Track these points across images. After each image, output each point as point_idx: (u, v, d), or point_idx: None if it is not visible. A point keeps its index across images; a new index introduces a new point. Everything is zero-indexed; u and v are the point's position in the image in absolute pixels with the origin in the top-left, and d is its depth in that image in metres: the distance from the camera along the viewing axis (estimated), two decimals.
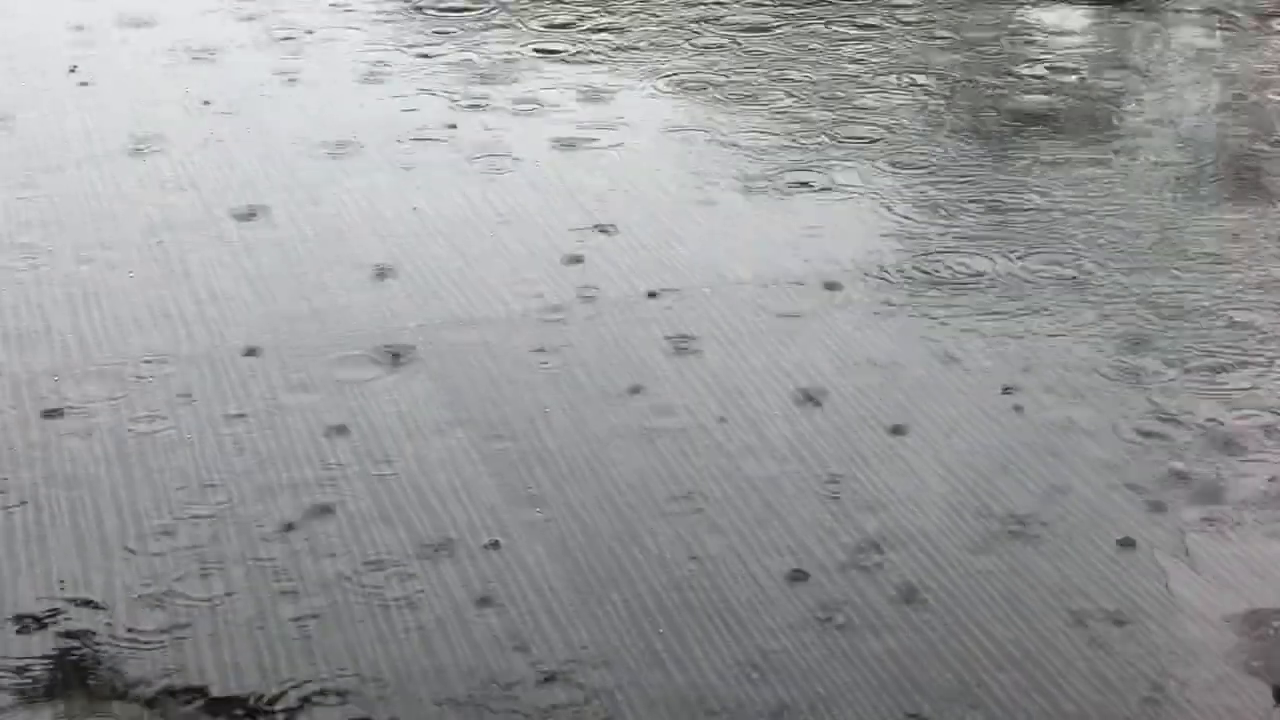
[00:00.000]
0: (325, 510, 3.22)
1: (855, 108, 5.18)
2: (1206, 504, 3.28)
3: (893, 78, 5.44)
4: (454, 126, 5.00)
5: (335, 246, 4.25)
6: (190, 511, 3.21)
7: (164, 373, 3.67)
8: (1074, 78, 5.52)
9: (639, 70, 5.47)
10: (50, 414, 3.52)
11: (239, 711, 2.74)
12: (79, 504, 3.23)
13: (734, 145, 4.90)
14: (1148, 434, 3.50)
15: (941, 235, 4.36)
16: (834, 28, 5.90)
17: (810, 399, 3.61)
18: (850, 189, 4.62)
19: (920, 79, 5.44)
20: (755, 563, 3.09)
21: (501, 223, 4.39)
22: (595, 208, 4.48)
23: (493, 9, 6.05)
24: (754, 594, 3.01)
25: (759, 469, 3.37)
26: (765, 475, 3.35)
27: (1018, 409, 3.59)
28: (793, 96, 5.26)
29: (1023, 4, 6.25)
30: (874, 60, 5.59)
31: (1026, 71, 5.57)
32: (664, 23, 5.94)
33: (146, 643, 2.87)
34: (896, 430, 3.50)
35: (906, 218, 4.46)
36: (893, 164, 4.78)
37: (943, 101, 5.28)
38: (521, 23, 5.93)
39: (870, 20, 5.99)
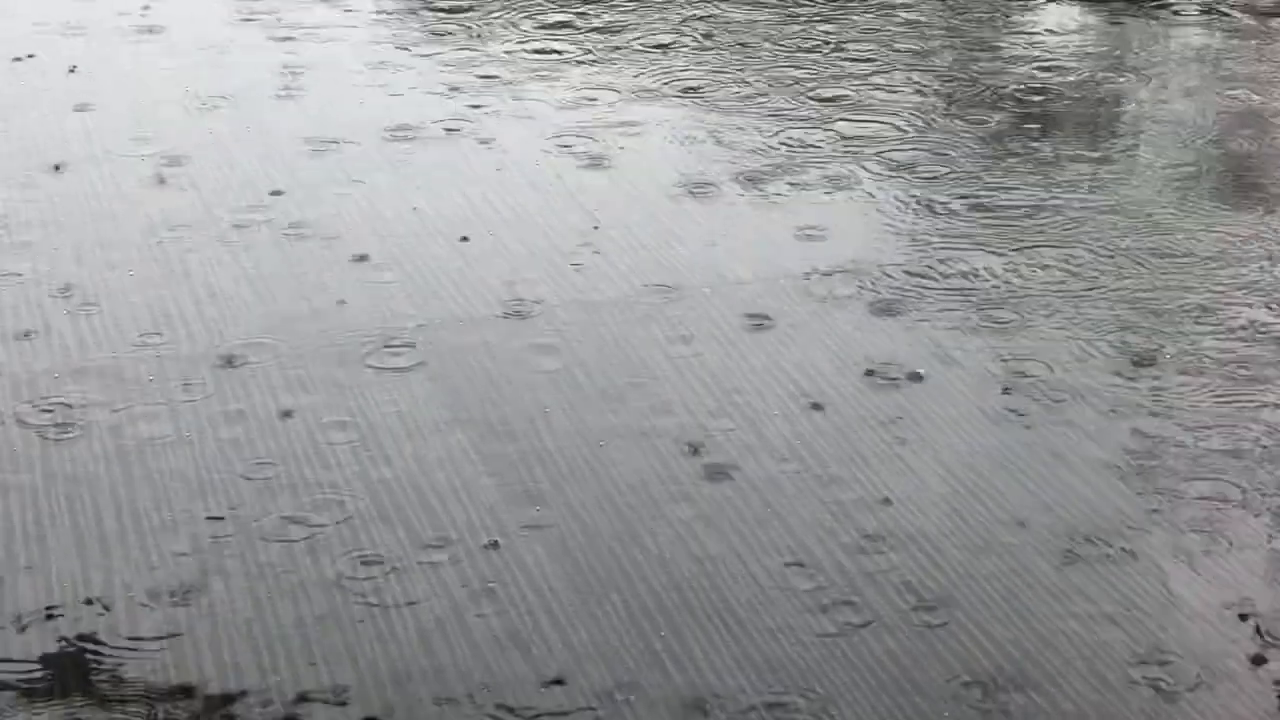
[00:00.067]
0: (325, 510, 3.22)
1: (855, 108, 5.18)
2: (1206, 504, 3.28)
3: (892, 78, 5.44)
4: (454, 126, 5.00)
5: (335, 246, 4.25)
6: (190, 511, 3.21)
7: (164, 372, 3.67)
8: (1073, 78, 5.52)
9: (639, 70, 5.47)
10: (50, 413, 3.52)
11: (239, 711, 2.74)
12: (79, 504, 3.23)
13: (734, 145, 4.90)
14: (1147, 434, 3.50)
15: (941, 235, 4.36)
16: (834, 27, 5.90)
17: (810, 399, 3.61)
18: (850, 189, 4.62)
19: (920, 79, 5.44)
20: (755, 563, 3.09)
21: (501, 223, 4.39)
22: (595, 208, 4.48)
23: (493, 9, 6.05)
24: (754, 594, 3.01)
25: (759, 469, 3.37)
26: (765, 475, 3.35)
27: (1017, 409, 3.59)
28: (793, 96, 5.26)
29: (1023, 4, 6.25)
30: (874, 60, 5.59)
31: (1026, 71, 5.57)
32: (664, 22, 5.94)
33: (146, 642, 2.87)
34: (896, 430, 3.50)
35: (906, 217, 4.46)
36: (892, 164, 4.78)
37: (943, 101, 5.28)
38: (521, 23, 5.93)
39: (871, 20, 5.99)
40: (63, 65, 5.46)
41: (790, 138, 4.95)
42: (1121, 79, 5.56)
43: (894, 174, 4.72)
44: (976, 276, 4.14)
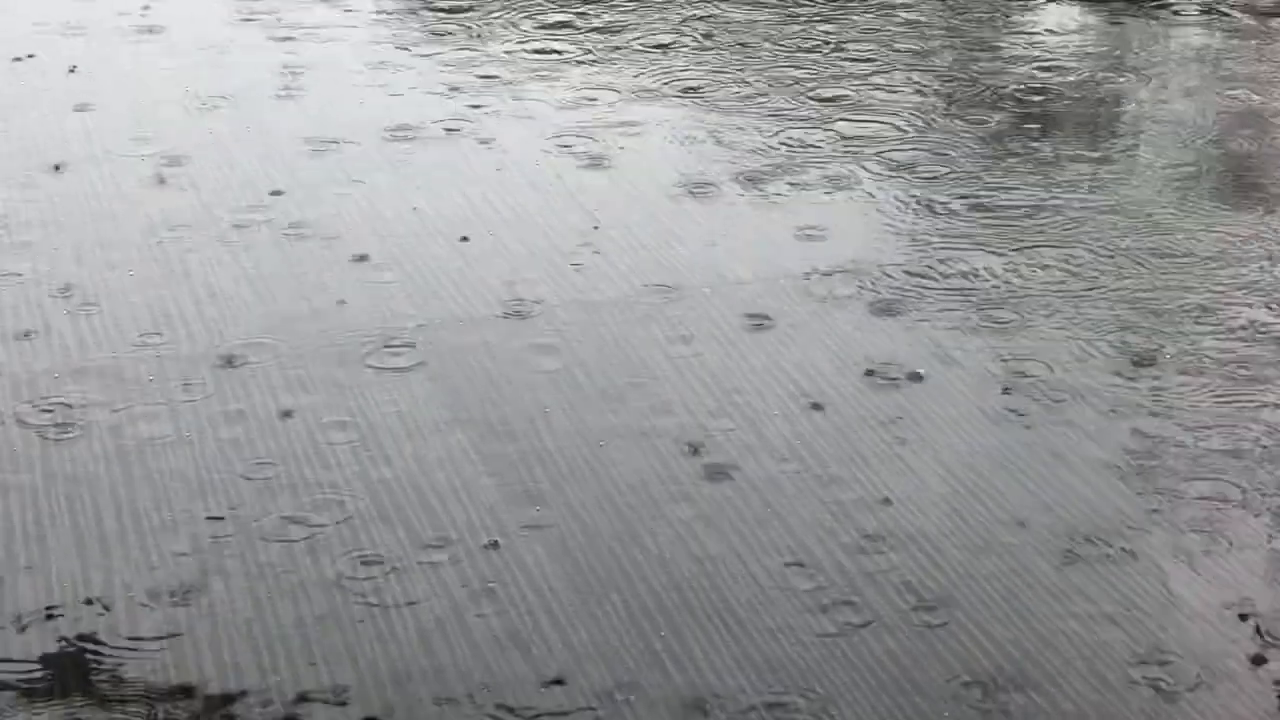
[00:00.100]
0: (325, 510, 3.21)
1: (855, 108, 5.18)
2: (1206, 504, 3.28)
3: (892, 78, 5.44)
4: (454, 126, 5.00)
5: (335, 246, 4.25)
6: (190, 511, 3.21)
7: (164, 372, 3.67)
8: (1073, 77, 5.52)
9: (639, 70, 5.47)
10: (50, 413, 3.52)
11: (239, 711, 2.74)
12: (79, 504, 3.23)
13: (734, 145, 4.90)
14: (1147, 434, 3.50)
15: (941, 235, 4.36)
16: (834, 27, 5.90)
17: (810, 399, 3.61)
18: (850, 189, 4.62)
19: (920, 79, 5.44)
20: (755, 563, 3.09)
21: (501, 223, 4.39)
22: (595, 207, 4.48)
23: (493, 9, 6.05)
24: (754, 594, 3.01)
25: (759, 469, 3.37)
26: (765, 475, 3.35)
27: (1017, 409, 3.59)
28: (793, 96, 5.26)
29: (1023, 4, 6.25)
30: (874, 60, 5.59)
31: (1026, 71, 5.57)
32: (664, 22, 5.94)
33: (146, 642, 2.87)
34: (896, 430, 3.50)
35: (906, 217, 4.46)
36: (892, 164, 4.78)
37: (943, 101, 5.28)
38: (521, 23, 5.93)
39: (871, 20, 5.99)
40: (63, 65, 5.46)
41: (790, 138, 4.95)
42: (1121, 79, 5.56)
43: (894, 174, 4.72)
44: (976, 276, 4.14)
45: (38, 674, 2.81)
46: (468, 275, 4.12)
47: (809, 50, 5.68)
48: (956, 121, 5.12)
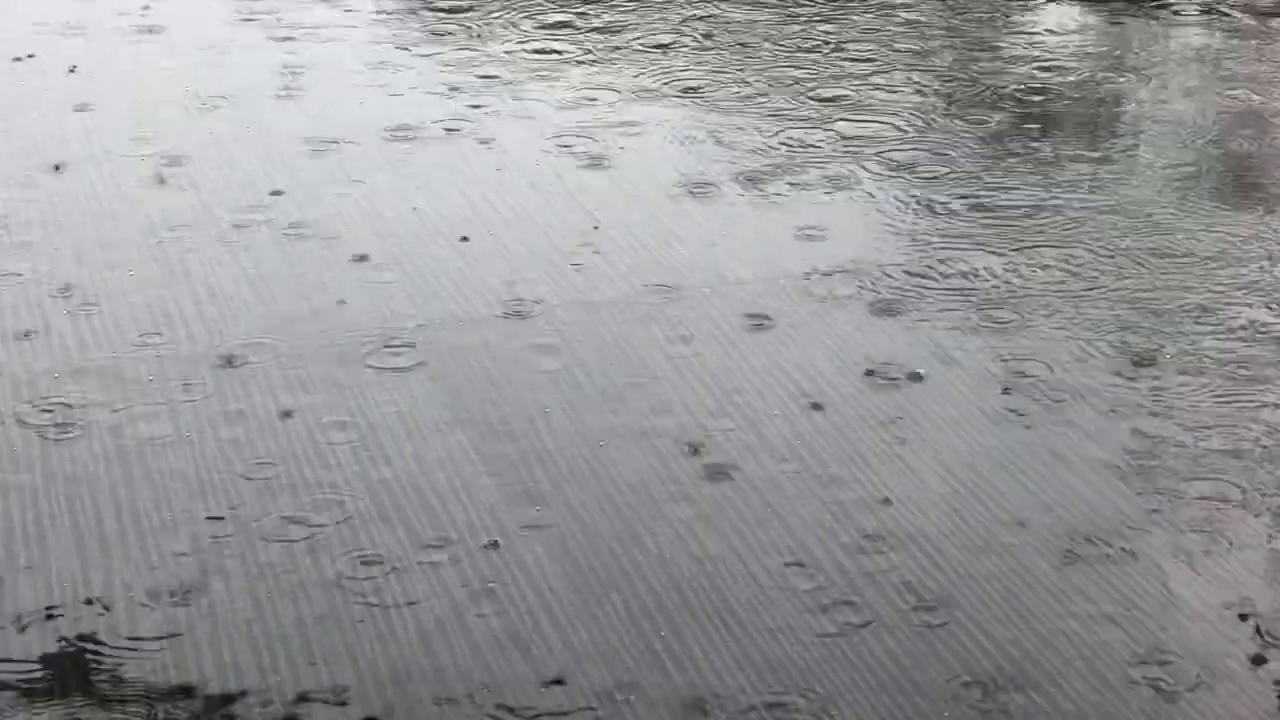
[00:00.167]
0: (325, 510, 3.21)
1: (855, 108, 5.18)
2: (1206, 504, 3.28)
3: (892, 78, 5.44)
4: (454, 126, 5.00)
5: (335, 246, 4.25)
6: (190, 511, 3.21)
7: (164, 372, 3.67)
8: (1073, 77, 5.52)
9: (639, 70, 5.47)
10: (50, 413, 3.52)
11: (239, 711, 2.74)
12: (79, 504, 3.23)
13: (734, 145, 4.90)
14: (1147, 434, 3.50)
15: (941, 235, 4.36)
16: (834, 27, 5.90)
17: (810, 399, 3.61)
18: (850, 189, 4.62)
19: (920, 79, 5.44)
20: (755, 563, 3.09)
21: (501, 223, 4.39)
22: (595, 208, 4.48)
23: (493, 9, 6.05)
24: (754, 594, 3.01)
25: (759, 469, 3.37)
26: (765, 475, 3.35)
27: (1017, 409, 3.59)
28: (793, 96, 5.26)
29: (1023, 4, 6.25)
30: (874, 60, 5.59)
31: (1026, 71, 5.57)
32: (664, 22, 5.94)
33: (146, 642, 2.87)
34: (896, 430, 3.50)
35: (906, 217, 4.46)
36: (892, 164, 4.78)
37: (943, 101, 5.28)
38: (521, 23, 5.93)
39: (871, 20, 5.99)
40: (63, 65, 5.46)
41: (790, 138, 4.95)
42: (1121, 79, 5.56)
43: (894, 174, 4.72)
44: (976, 276, 4.14)
45: (38, 674, 2.81)
46: (468, 275, 4.12)
47: (809, 50, 5.68)
48: (956, 121, 5.12)
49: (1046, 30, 6.01)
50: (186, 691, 2.77)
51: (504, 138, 4.92)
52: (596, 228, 4.36)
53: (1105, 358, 3.78)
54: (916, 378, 3.70)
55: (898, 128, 5.04)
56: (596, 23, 5.94)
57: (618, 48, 5.69)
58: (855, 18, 6.02)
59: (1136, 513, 3.25)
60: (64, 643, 2.87)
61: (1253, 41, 5.92)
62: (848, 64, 5.55)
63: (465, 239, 4.22)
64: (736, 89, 5.33)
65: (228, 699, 2.76)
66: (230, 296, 4.00)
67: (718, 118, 5.10)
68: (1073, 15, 6.20)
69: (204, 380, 3.64)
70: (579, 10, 6.05)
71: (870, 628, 2.93)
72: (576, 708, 2.76)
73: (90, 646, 2.86)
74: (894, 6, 6.13)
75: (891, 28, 5.93)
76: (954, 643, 2.90)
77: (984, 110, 5.22)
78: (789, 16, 6.02)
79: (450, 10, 6.04)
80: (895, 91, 5.32)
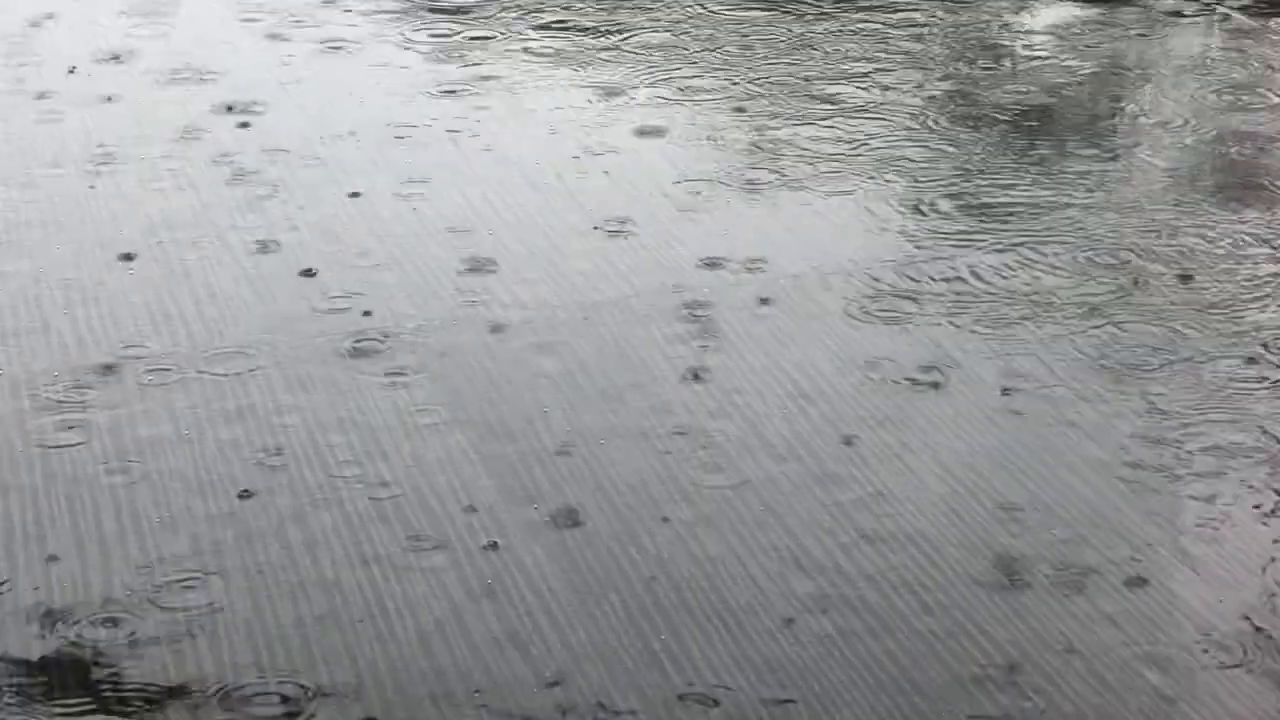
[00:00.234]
0: (324, 510, 3.21)
1: (854, 108, 5.18)
2: (1206, 504, 3.28)
3: (891, 78, 5.43)
4: (454, 127, 5.00)
5: (334, 246, 4.25)
6: (190, 511, 3.21)
7: (164, 372, 3.67)
8: (1074, 78, 5.52)
9: (638, 71, 5.47)
10: (49, 413, 3.52)
11: (239, 711, 2.74)
12: (79, 504, 3.23)
13: (733, 146, 4.89)
14: (1147, 435, 3.50)
15: (941, 235, 4.36)
16: (832, 28, 5.90)
17: (809, 399, 3.61)
18: (849, 189, 4.62)
19: (918, 79, 5.44)
20: (755, 563, 3.09)
21: (502, 223, 4.39)
22: (595, 208, 4.48)
23: (493, 9, 6.05)
24: (754, 594, 3.01)
25: (759, 469, 3.37)
26: (765, 475, 3.35)
27: (1017, 410, 3.59)
28: (793, 97, 5.26)
29: (1023, 4, 6.25)
30: (872, 60, 5.59)
31: (1026, 71, 5.56)
32: (664, 23, 5.94)
33: (146, 643, 2.87)
34: (896, 430, 3.50)
35: (906, 217, 4.46)
36: (891, 164, 4.78)
37: (942, 101, 5.28)
38: (522, 23, 5.93)
39: (868, 21, 5.99)
40: (62, 65, 5.46)
41: (790, 137, 4.94)
42: (1122, 79, 5.56)
43: (893, 174, 4.72)
44: (976, 276, 4.14)
45: (38, 674, 2.81)
46: (468, 275, 4.12)
47: (809, 50, 5.68)
48: (956, 122, 5.12)
49: (1046, 30, 6.01)
50: (186, 691, 2.77)
51: (504, 138, 4.92)
52: (596, 228, 4.36)
53: (1104, 358, 3.78)
54: (917, 378, 3.70)
55: (897, 127, 5.04)
56: (596, 23, 5.93)
57: (618, 48, 5.69)
58: (855, 17, 6.01)
59: (1136, 513, 3.25)
60: (64, 643, 2.87)
61: (1253, 41, 5.92)
62: (848, 64, 5.55)
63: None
64: (736, 89, 5.32)
65: (227, 699, 2.76)
66: (230, 296, 4.00)
67: (718, 117, 5.10)
68: (1073, 15, 6.20)
69: (204, 380, 3.64)
70: (579, 10, 6.05)
71: (870, 628, 2.93)
72: (576, 708, 2.75)
73: (90, 647, 2.86)
74: (894, 7, 6.12)
75: (891, 28, 5.92)
76: (954, 643, 2.90)
77: (984, 110, 5.22)
78: (789, 16, 6.01)
79: (450, 10, 6.04)
80: (895, 91, 5.32)
